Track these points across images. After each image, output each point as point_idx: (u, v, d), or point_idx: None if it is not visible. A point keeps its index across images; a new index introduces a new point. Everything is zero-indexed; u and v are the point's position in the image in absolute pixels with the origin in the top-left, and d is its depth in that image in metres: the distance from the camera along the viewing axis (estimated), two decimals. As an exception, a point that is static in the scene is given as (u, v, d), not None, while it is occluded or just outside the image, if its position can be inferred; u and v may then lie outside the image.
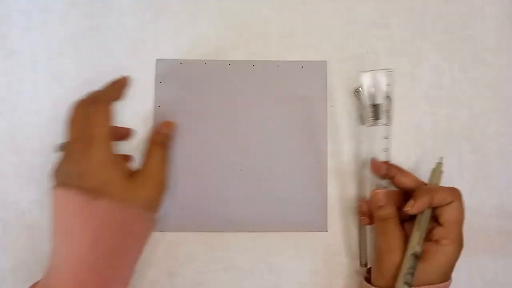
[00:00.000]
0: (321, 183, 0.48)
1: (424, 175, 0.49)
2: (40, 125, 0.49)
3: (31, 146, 0.48)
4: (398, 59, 0.50)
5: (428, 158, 0.49)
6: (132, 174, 0.42)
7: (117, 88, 0.47)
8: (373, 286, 0.42)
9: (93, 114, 0.41)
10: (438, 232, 0.41)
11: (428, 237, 0.41)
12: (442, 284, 0.40)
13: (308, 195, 0.48)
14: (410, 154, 0.49)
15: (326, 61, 0.49)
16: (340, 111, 0.49)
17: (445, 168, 0.49)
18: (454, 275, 0.46)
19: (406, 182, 0.44)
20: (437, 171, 0.44)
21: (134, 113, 0.49)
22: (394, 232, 0.42)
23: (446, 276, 0.41)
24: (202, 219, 0.48)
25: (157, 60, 0.49)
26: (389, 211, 0.42)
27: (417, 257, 0.40)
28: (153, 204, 0.44)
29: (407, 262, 0.40)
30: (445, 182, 0.49)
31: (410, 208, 0.40)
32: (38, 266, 0.47)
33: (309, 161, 0.48)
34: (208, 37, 0.49)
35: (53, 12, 0.49)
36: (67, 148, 0.41)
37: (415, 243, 0.40)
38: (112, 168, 0.41)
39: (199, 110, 0.49)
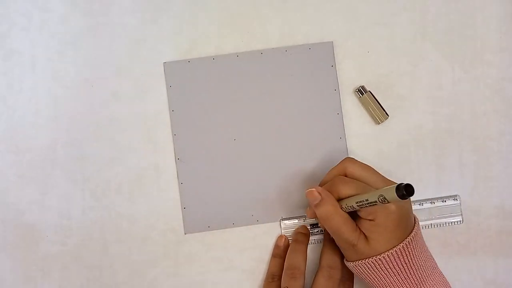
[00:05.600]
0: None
1: (424, 176, 0.49)
2: (40, 125, 0.49)
3: (31, 146, 0.48)
4: (398, 59, 0.49)
5: (428, 158, 0.49)
6: None
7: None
8: (352, 261, 0.42)
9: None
10: (363, 213, 0.41)
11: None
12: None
13: None
14: (410, 154, 0.49)
15: (332, 41, 0.49)
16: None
17: (445, 168, 0.49)
18: (454, 275, 0.46)
19: (348, 192, 0.42)
20: None
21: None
22: (347, 226, 0.41)
23: (401, 235, 0.40)
24: (216, 216, 0.48)
25: (164, 63, 0.49)
26: (327, 207, 0.42)
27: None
28: None
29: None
30: (445, 182, 0.49)
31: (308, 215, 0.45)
32: (38, 266, 0.48)
33: (327, 143, 0.49)
34: (208, 36, 0.49)
35: (53, 12, 0.49)
36: None
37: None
38: None
39: (214, 105, 0.49)
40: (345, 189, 0.41)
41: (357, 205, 0.39)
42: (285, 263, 0.46)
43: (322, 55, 0.49)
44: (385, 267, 0.40)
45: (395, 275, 0.40)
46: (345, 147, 0.48)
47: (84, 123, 0.49)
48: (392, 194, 0.35)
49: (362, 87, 0.48)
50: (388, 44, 0.49)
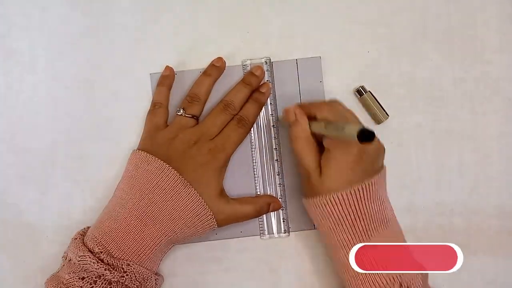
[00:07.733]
0: None
1: (424, 176, 0.49)
2: (40, 125, 0.49)
3: (31, 146, 0.48)
4: (398, 59, 0.49)
5: (428, 158, 0.49)
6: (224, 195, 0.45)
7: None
8: (306, 198, 0.43)
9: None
10: (326, 142, 0.42)
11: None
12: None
13: None
14: (410, 154, 0.49)
15: (320, 56, 0.49)
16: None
17: (445, 168, 0.49)
18: (454, 275, 0.46)
19: (328, 116, 0.42)
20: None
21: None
22: (309, 151, 0.42)
23: (355, 178, 0.40)
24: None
25: (151, 74, 0.49)
26: (297, 128, 0.42)
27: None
28: (222, 222, 0.44)
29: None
30: (445, 180, 0.49)
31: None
32: (38, 266, 0.48)
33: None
34: (208, 37, 0.49)
35: (53, 12, 0.49)
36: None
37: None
38: (217, 176, 0.44)
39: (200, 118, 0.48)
40: (326, 112, 0.41)
41: (324, 127, 0.39)
42: (187, 92, 0.46)
43: (310, 70, 0.49)
44: (331, 209, 0.40)
45: (340, 219, 0.40)
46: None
47: (84, 123, 0.49)
48: (352, 131, 0.34)
49: (362, 87, 0.48)
50: (388, 44, 0.49)
